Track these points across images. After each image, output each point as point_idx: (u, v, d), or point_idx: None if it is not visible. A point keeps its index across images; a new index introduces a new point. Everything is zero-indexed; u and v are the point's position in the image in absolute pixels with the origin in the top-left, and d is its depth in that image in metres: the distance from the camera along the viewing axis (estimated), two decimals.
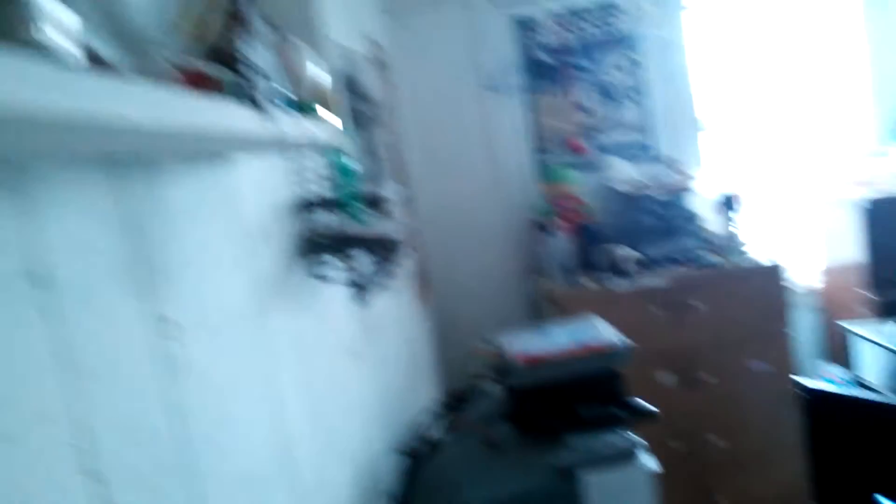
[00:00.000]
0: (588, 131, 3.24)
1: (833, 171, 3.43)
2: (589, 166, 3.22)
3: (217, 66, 0.92)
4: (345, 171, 1.18)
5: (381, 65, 2.74)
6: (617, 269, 2.81)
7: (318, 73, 1.13)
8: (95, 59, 0.64)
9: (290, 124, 0.87)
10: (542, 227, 2.96)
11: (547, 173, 3.08)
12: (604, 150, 3.24)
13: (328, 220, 1.41)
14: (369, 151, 2.20)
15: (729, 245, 2.96)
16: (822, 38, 3.56)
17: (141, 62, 0.82)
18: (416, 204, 3.06)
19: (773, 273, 2.86)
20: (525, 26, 3.18)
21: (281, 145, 0.86)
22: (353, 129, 2.02)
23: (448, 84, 3.19)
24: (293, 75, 1.08)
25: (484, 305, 3.27)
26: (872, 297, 3.09)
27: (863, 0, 3.47)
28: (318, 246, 1.42)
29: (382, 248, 1.43)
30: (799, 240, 3.58)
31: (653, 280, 2.80)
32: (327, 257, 1.41)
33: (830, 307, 3.48)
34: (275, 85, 0.79)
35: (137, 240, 0.72)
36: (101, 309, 0.64)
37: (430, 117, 3.20)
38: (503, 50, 3.19)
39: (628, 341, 1.77)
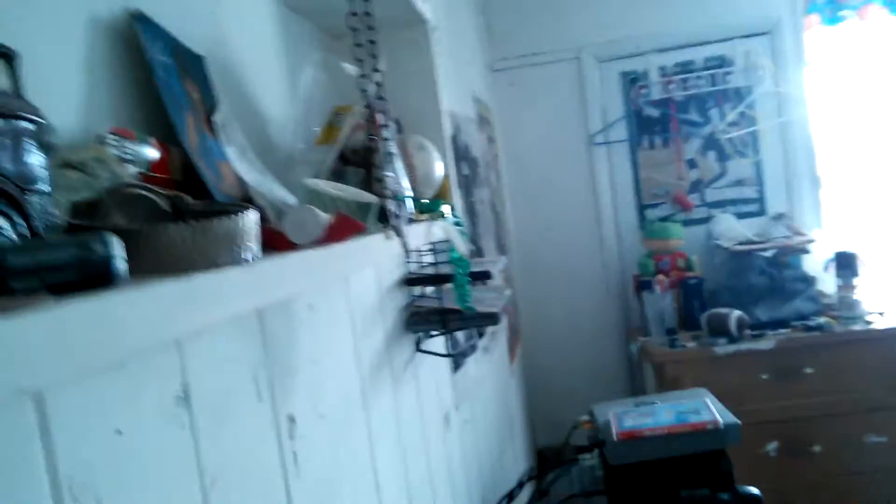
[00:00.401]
0: (696, 186, 3.18)
1: None
2: (696, 222, 3.15)
3: (353, 171, 0.99)
4: (455, 255, 1.23)
5: (484, 122, 2.80)
6: (722, 331, 2.72)
7: (435, 165, 1.19)
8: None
9: (416, 233, 0.93)
10: (644, 284, 2.91)
11: (651, 228, 3.03)
12: (712, 205, 3.17)
13: (434, 294, 1.45)
14: (471, 212, 2.25)
15: (846, 308, 2.81)
16: None
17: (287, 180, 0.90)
18: (512, 259, 3.09)
19: (893, 340, 2.69)
20: (632, 80, 3.17)
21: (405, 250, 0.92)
22: (460, 197, 2.07)
23: (552, 137, 3.22)
24: (413, 171, 1.14)
25: (580, 362, 3.25)
26: None
27: None
28: (422, 320, 1.47)
29: (484, 322, 1.47)
30: None
31: (761, 343, 2.70)
32: (431, 330, 1.45)
33: None
34: (402, 194, 0.84)
35: (272, 346, 0.78)
36: (237, 415, 0.70)
37: (532, 170, 3.23)
38: (610, 104, 3.19)
39: (736, 420, 1.71)
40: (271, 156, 0.99)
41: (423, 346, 1.56)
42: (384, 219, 0.75)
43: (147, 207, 0.49)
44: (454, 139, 2.15)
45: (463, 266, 1.21)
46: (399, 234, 0.77)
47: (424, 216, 1.17)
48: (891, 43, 3.30)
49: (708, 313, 2.78)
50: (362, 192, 0.83)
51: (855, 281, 2.83)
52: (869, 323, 2.75)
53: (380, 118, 0.93)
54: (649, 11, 3.11)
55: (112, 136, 0.62)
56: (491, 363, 2.30)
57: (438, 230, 1.09)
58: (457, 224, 1.28)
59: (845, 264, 2.86)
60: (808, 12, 3.24)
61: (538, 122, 3.22)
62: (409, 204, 1.04)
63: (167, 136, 0.72)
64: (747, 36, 3.08)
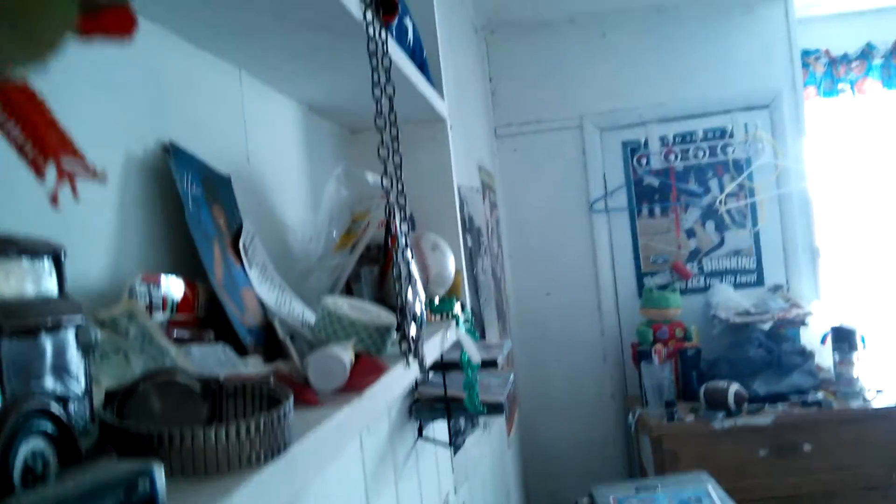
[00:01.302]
0: (694, 255, 3.20)
1: None
2: (694, 291, 3.16)
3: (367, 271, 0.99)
4: (465, 358, 1.22)
5: (488, 189, 2.82)
6: (719, 404, 2.71)
7: (448, 263, 1.19)
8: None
9: (432, 347, 0.92)
10: (642, 354, 2.91)
11: (650, 297, 3.04)
12: (710, 275, 3.19)
13: (441, 384, 1.44)
14: (473, 285, 2.25)
15: (844, 384, 2.81)
16: None
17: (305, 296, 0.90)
18: (510, 324, 3.08)
19: (892, 418, 2.69)
20: (633, 149, 3.21)
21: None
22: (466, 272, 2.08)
23: (554, 203, 3.24)
24: (426, 271, 1.15)
25: (577, 430, 3.22)
26: None
27: None
28: (426, 407, 1.46)
29: (489, 412, 1.46)
30: None
31: (758, 418, 2.68)
32: (435, 418, 1.45)
33: None
34: (420, 314, 0.84)
35: None
36: None
37: (534, 235, 3.25)
38: (611, 171, 3.23)
39: None
40: (292, 264, 0.99)
41: (426, 433, 1.55)
42: (401, 337, 0.75)
43: (179, 391, 0.49)
44: (460, 211, 2.16)
45: (473, 368, 1.21)
46: (418, 358, 0.77)
47: (437, 317, 1.17)
48: (887, 115, 3.37)
49: (706, 386, 2.77)
50: (380, 312, 0.83)
51: (853, 356, 2.83)
52: (868, 400, 2.74)
53: (398, 225, 0.93)
54: (651, 82, 3.17)
55: (141, 284, 0.62)
56: (490, 439, 2.27)
57: (452, 336, 1.09)
58: (468, 321, 1.27)
59: (843, 339, 2.86)
60: (806, 85, 3.31)
61: (540, 188, 3.25)
62: (425, 316, 1.04)
63: (194, 270, 0.72)
64: (747, 109, 3.14)
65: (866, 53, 3.32)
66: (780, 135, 3.13)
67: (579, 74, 3.21)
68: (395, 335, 0.78)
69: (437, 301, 1.20)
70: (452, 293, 1.27)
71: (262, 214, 0.95)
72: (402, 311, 0.78)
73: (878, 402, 2.72)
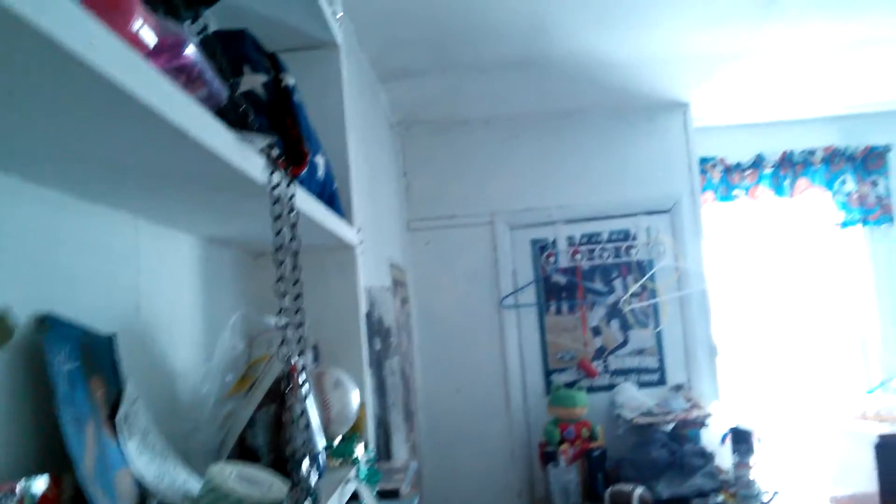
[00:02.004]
0: (600, 353, 3.25)
1: (844, 405, 3.40)
2: (600, 389, 3.20)
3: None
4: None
5: (399, 285, 2.79)
6: None
7: (352, 399, 1.14)
8: None
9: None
10: (549, 456, 2.89)
11: (557, 395, 3.05)
12: (615, 373, 3.24)
13: None
14: (380, 389, 2.19)
15: (742, 486, 2.86)
16: (831, 273, 3.67)
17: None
18: (418, 421, 3.02)
19: None
20: (542, 247, 3.28)
21: None
22: (371, 375, 2.02)
23: (465, 298, 3.25)
24: (327, 410, 1.09)
25: None
26: None
27: (868, 236, 3.61)
28: None
29: None
30: (812, 475, 3.49)
31: None
32: None
33: None
34: (315, 488, 0.78)
35: None
36: None
37: (444, 329, 3.23)
38: (520, 268, 3.27)
39: None
40: (182, 417, 0.92)
41: None
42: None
43: None
44: (368, 315, 2.12)
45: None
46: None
47: (337, 462, 1.11)
48: (777, 220, 3.59)
49: (611, 490, 2.77)
50: (273, 481, 0.77)
51: (751, 458, 2.90)
52: (766, 503, 2.81)
53: (298, 372, 0.88)
54: (560, 184, 3.27)
55: None
56: None
57: (351, 487, 1.03)
58: (369, 461, 1.21)
59: (741, 440, 2.94)
60: (704, 190, 3.50)
61: (452, 282, 3.25)
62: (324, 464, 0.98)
63: (64, 458, 0.65)
64: (649, 213, 3.27)
65: (757, 163, 3.56)
66: (680, 238, 3.27)
67: (492, 173, 3.28)
68: None
69: (337, 443, 1.14)
70: (355, 430, 1.21)
71: (151, 366, 0.87)
72: (296, 485, 0.71)
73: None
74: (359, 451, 1.16)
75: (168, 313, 0.94)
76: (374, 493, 1.29)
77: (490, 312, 3.24)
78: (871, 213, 3.55)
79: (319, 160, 1.11)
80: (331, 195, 1.22)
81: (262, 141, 0.70)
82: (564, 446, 2.94)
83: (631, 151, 3.30)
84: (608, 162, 3.29)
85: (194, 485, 0.79)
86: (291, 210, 0.79)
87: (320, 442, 1.00)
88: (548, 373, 3.24)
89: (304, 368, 0.88)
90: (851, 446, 3.20)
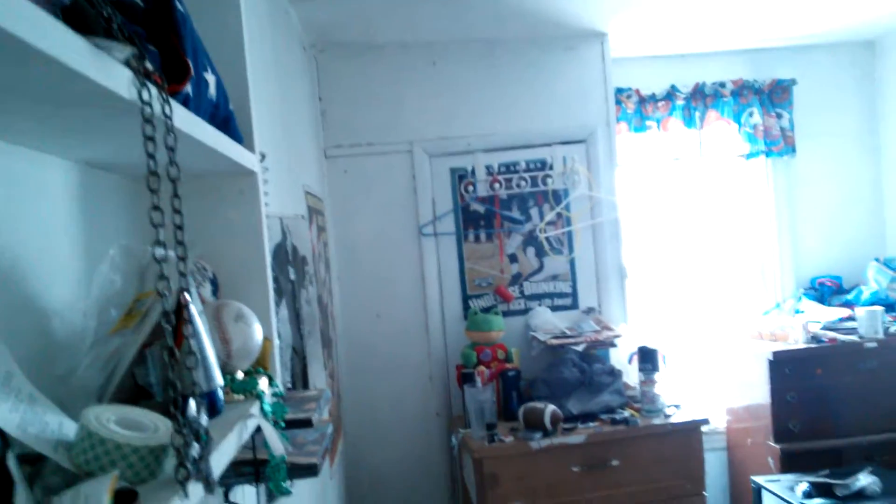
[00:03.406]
0: (516, 279, 3.33)
1: (744, 324, 3.61)
2: (515, 314, 3.29)
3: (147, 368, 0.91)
4: (270, 452, 1.17)
5: (315, 213, 2.76)
6: (537, 424, 2.84)
7: (254, 333, 1.13)
8: None
9: (226, 450, 0.86)
10: (466, 377, 2.98)
11: (474, 320, 3.13)
12: (530, 298, 3.33)
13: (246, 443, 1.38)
14: (296, 319, 2.19)
15: (647, 402, 3.04)
16: (738, 198, 3.83)
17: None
18: (338, 349, 3.04)
19: (690, 432, 2.94)
20: (461, 176, 3.29)
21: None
22: (279, 302, 2.01)
23: (384, 226, 3.25)
24: (227, 345, 1.08)
25: (404, 452, 3.25)
26: (776, 446, 3.23)
27: (770, 167, 3.77)
28: (232, 471, 1.39)
29: (301, 474, 1.41)
30: (712, 389, 3.73)
31: (572, 437, 2.84)
32: (242, 483, 1.38)
33: (739, 456, 3.61)
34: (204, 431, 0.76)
35: None
36: None
37: (363, 258, 3.23)
38: (439, 197, 3.28)
39: None
40: (56, 358, 0.87)
41: (233, 497, 1.47)
42: (179, 461, 0.68)
43: None
44: (282, 244, 2.10)
45: (274, 459, 1.16)
46: (202, 478, 0.71)
47: (239, 397, 1.10)
48: (686, 151, 3.70)
49: (524, 407, 2.89)
50: (158, 422, 0.76)
51: (656, 375, 3.07)
52: (668, 416, 2.99)
53: (186, 303, 0.87)
54: (478, 112, 3.27)
55: None
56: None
57: (253, 423, 1.03)
58: (276, 395, 1.22)
59: (647, 359, 3.09)
60: (618, 121, 3.56)
61: (370, 211, 3.24)
62: (223, 401, 0.98)
63: None
64: (566, 143, 3.32)
65: (670, 94, 3.63)
66: (595, 167, 3.33)
67: (410, 100, 3.23)
68: (173, 454, 0.70)
69: (239, 377, 1.13)
70: (260, 364, 1.22)
71: (18, 304, 0.82)
72: (182, 428, 0.70)
73: (675, 418, 2.96)
74: (263, 385, 1.16)
75: (38, 245, 0.88)
76: (282, 425, 1.30)
77: (409, 240, 3.26)
78: (775, 144, 3.70)
79: (210, 78, 1.07)
80: (226, 118, 1.18)
81: (125, 50, 0.66)
82: (480, 368, 3.04)
83: (549, 81, 3.31)
84: (527, 91, 3.30)
85: (71, 430, 0.74)
86: (169, 131, 0.76)
87: (218, 378, 0.99)
88: (466, 298, 3.31)
89: (188, 303, 0.86)
90: (748, 363, 3.43)
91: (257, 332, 1.14)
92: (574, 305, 3.36)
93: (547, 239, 3.33)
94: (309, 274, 2.49)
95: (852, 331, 3.35)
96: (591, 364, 3.12)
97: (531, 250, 3.33)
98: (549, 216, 3.31)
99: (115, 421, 0.73)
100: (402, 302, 3.27)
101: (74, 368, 0.84)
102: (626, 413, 2.96)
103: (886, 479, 2.95)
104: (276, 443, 1.07)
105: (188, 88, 0.91)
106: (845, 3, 3.13)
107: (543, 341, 3.12)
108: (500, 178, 3.29)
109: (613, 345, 3.20)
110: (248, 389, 1.07)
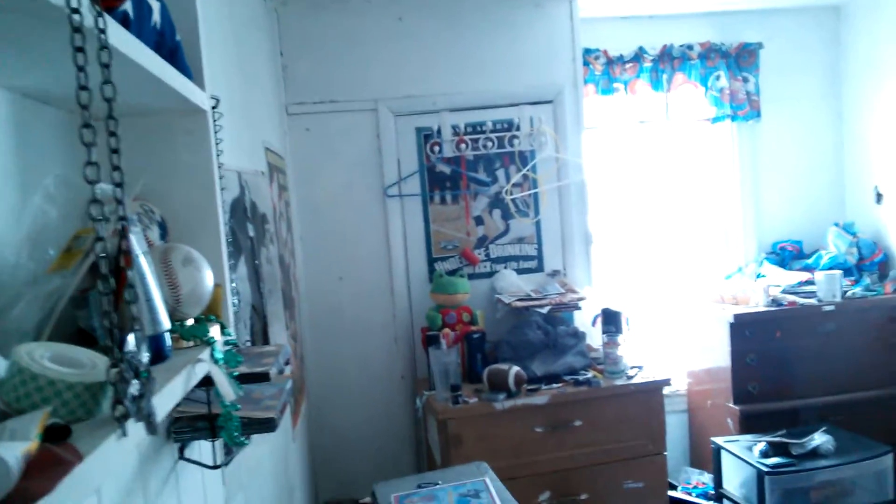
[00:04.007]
0: (482, 242, 3.30)
1: (707, 288, 3.64)
2: (481, 276, 3.27)
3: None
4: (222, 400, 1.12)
5: (276, 171, 2.69)
6: (501, 386, 2.83)
7: (205, 278, 1.08)
8: None
9: (172, 392, 0.82)
10: (431, 339, 2.95)
11: (439, 283, 3.10)
12: (496, 261, 3.31)
13: (200, 397, 1.33)
14: (255, 277, 2.14)
15: (610, 363, 3.05)
16: (703, 162, 3.84)
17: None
18: (301, 310, 2.99)
19: (652, 393, 2.96)
20: (427, 136, 3.23)
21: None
22: (237, 259, 1.96)
23: (348, 186, 3.18)
24: (176, 290, 1.03)
25: (368, 414, 3.23)
26: (735, 407, 3.28)
27: (736, 132, 3.78)
28: (187, 426, 1.34)
29: (258, 429, 1.38)
30: (674, 352, 3.77)
31: (535, 398, 2.84)
32: (197, 438, 1.33)
33: (700, 418, 3.66)
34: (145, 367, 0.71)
35: None
36: None
37: (327, 218, 3.17)
38: (404, 157, 3.22)
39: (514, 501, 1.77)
40: None
41: (190, 453, 1.43)
42: (116, 398, 0.63)
43: None
44: (240, 200, 2.03)
45: (227, 407, 1.11)
46: (144, 417, 0.66)
47: (189, 343, 1.05)
48: (653, 114, 3.68)
49: (488, 369, 2.88)
50: (96, 359, 0.71)
51: (619, 337, 3.08)
52: (630, 377, 3.00)
53: (126, 237, 0.81)
54: (445, 71, 3.20)
55: None
56: (269, 439, 2.18)
57: (203, 369, 0.98)
58: (229, 343, 1.17)
59: (610, 321, 3.10)
60: (586, 83, 3.52)
61: (334, 170, 3.17)
62: (169, 345, 0.93)
63: None
64: (533, 103, 3.27)
65: (638, 56, 3.60)
66: (562, 129, 3.30)
67: (375, 57, 3.15)
68: (111, 391, 0.65)
69: (189, 324, 1.08)
70: (211, 311, 1.16)
71: None
72: (119, 363, 0.65)
73: (637, 380, 2.98)
74: (215, 332, 1.12)
75: None
76: (234, 375, 1.26)
77: (374, 201, 3.21)
78: (741, 108, 3.70)
79: (154, 4, 1.00)
80: (173, 49, 1.11)
81: None
82: (446, 331, 3.01)
83: (517, 39, 3.25)
84: (494, 50, 3.23)
85: (2, 368, 0.70)
86: (104, 47, 0.70)
87: (165, 322, 0.94)
88: (431, 261, 3.28)
89: (129, 237, 0.80)
90: (710, 326, 3.47)
91: (208, 278, 1.09)
92: (539, 268, 3.35)
93: (513, 201, 3.30)
94: (269, 232, 2.43)
95: (811, 294, 3.40)
96: (555, 326, 3.11)
97: (497, 213, 3.30)
98: (516, 178, 3.28)
99: (49, 357, 0.69)
100: (367, 264, 3.22)
101: (7, 307, 0.79)
102: (589, 374, 2.97)
103: (840, 438, 3.03)
104: (227, 389, 1.03)
105: (127, 7, 0.85)
106: None
107: (508, 304, 3.11)
108: (467, 138, 3.24)
109: (578, 307, 3.20)
110: (198, 336, 1.02)
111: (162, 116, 1.17)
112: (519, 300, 3.12)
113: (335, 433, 3.20)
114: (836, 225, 3.68)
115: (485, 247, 3.30)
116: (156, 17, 1.01)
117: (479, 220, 3.29)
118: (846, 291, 3.42)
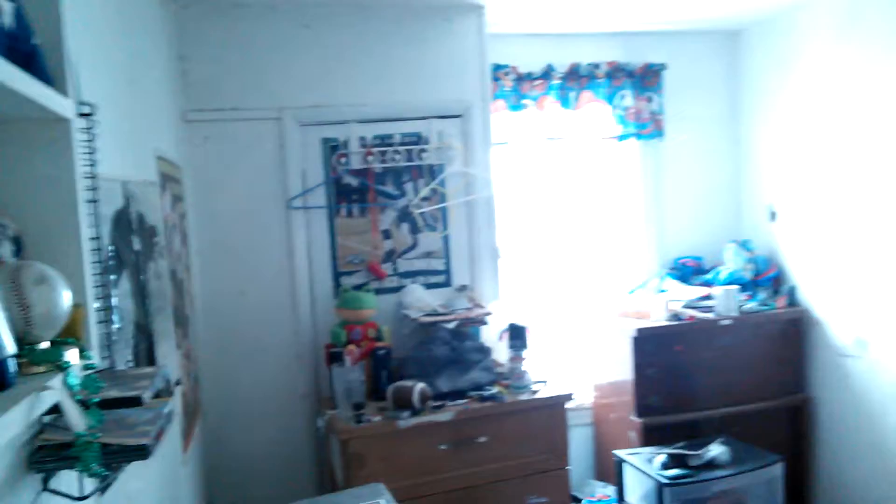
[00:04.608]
0: (389, 256, 3.25)
1: (611, 302, 3.71)
2: (388, 291, 3.22)
3: None
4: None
5: (170, 180, 2.56)
6: (406, 403, 2.78)
7: (61, 298, 0.99)
8: None
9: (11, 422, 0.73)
10: (335, 356, 2.88)
11: (344, 298, 3.03)
12: (404, 275, 3.27)
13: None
14: (141, 293, 2.01)
15: (515, 378, 3.05)
16: (609, 180, 3.92)
17: None
18: (196, 327, 2.86)
19: (555, 408, 2.98)
20: (333, 147, 3.16)
21: None
22: (120, 274, 1.84)
23: (250, 197, 3.07)
24: (26, 311, 0.94)
25: (269, 436, 3.12)
26: (638, 420, 3.35)
27: (640, 150, 3.88)
28: (51, 456, 1.23)
29: (129, 457, 1.28)
30: (578, 365, 3.82)
31: (440, 415, 2.80)
32: (62, 469, 1.22)
33: (604, 431, 3.72)
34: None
35: None
36: None
37: (227, 231, 3.05)
38: (310, 168, 3.14)
39: None
40: None
41: (56, 484, 1.31)
42: None
43: None
44: (124, 211, 1.91)
45: (80, 436, 1.01)
46: None
47: (40, 369, 0.96)
48: (562, 131, 3.73)
49: (393, 386, 2.83)
50: None
51: (524, 352, 3.09)
52: (535, 392, 3.01)
53: None
54: (353, 81, 3.14)
55: None
56: (155, 464, 2.05)
57: (51, 399, 0.89)
58: (90, 367, 1.08)
59: (516, 336, 3.11)
60: (496, 98, 3.54)
61: (235, 180, 3.05)
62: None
63: None
64: (442, 117, 3.25)
65: (547, 73, 3.64)
66: (471, 144, 3.30)
67: (280, 65, 3.06)
68: None
69: (42, 347, 0.99)
70: (71, 334, 1.07)
71: None
72: None
73: (541, 394, 2.99)
74: (72, 356, 1.02)
75: None
76: (94, 401, 1.16)
77: (277, 213, 3.11)
78: (645, 127, 3.81)
79: (4, 4, 0.91)
80: (29, 53, 1.02)
81: None
82: (350, 347, 2.95)
83: (426, 53, 3.23)
84: (403, 62, 3.20)
85: None
86: None
87: (7, 345, 0.86)
88: (337, 275, 3.20)
89: None
90: (614, 341, 3.53)
91: (65, 298, 1.00)
92: (447, 283, 3.33)
93: (421, 215, 3.27)
94: (159, 245, 2.30)
95: (710, 309, 3.51)
96: (462, 341, 3.10)
97: (405, 226, 3.26)
98: (424, 192, 3.25)
99: None
100: (269, 279, 3.11)
101: None
102: (495, 390, 2.96)
103: (735, 448, 3.13)
104: (76, 419, 0.94)
105: None
106: None
107: (415, 319, 3.07)
108: (375, 150, 3.18)
109: (485, 322, 3.19)
110: (50, 360, 0.93)
111: (16, 125, 1.07)
112: (426, 315, 3.09)
113: (234, 455, 3.06)
114: (734, 242, 3.82)
115: (392, 261, 3.26)
116: (7, 19, 0.92)
117: (386, 234, 3.24)
118: (742, 306, 3.56)
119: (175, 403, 2.32)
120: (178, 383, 2.41)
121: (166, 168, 2.50)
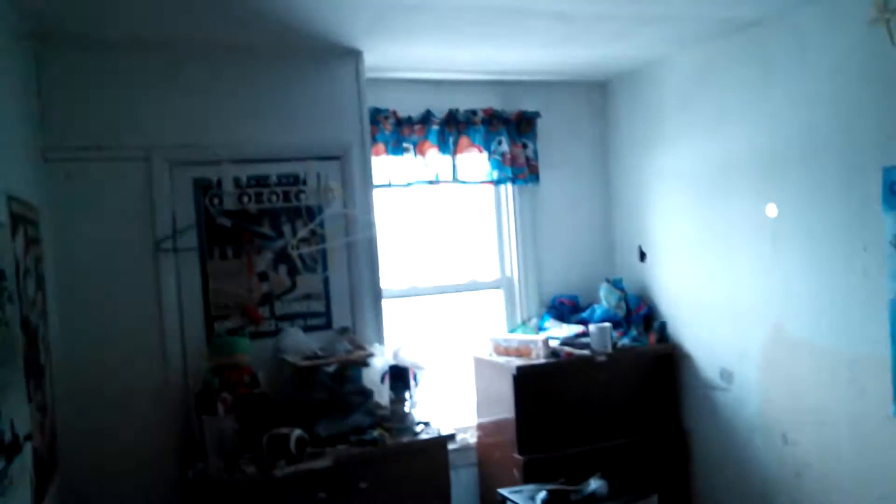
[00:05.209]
0: (267, 298, 3.17)
1: (492, 341, 3.75)
2: (265, 335, 3.13)
3: None
4: None
5: (23, 221, 2.40)
6: (282, 451, 2.69)
7: None
8: None
9: None
10: (205, 406, 2.75)
11: (217, 344, 2.91)
12: (282, 318, 3.19)
13: None
14: None
15: (397, 420, 3.02)
16: (488, 222, 4.02)
17: None
18: (54, 380, 2.67)
19: (437, 449, 2.95)
20: (206, 188, 3.07)
21: None
22: None
23: (115, 240, 2.93)
24: None
25: (134, 493, 2.91)
26: (520, 457, 3.38)
27: (516, 194, 4.01)
28: None
29: None
30: (464, 405, 3.83)
31: (318, 462, 2.72)
32: None
33: (489, 470, 3.73)
34: None
35: None
36: None
37: (89, 275, 2.88)
38: (181, 210, 3.04)
39: None
40: None
41: None
42: None
43: None
44: None
45: None
46: None
47: None
48: (441, 174, 3.80)
49: (268, 434, 2.72)
50: None
51: (407, 394, 3.07)
52: (417, 434, 2.98)
53: None
54: (226, 121, 3.09)
55: None
56: None
57: None
58: None
59: (398, 377, 3.09)
60: (377, 141, 3.57)
61: (100, 222, 2.90)
62: None
63: None
64: (321, 158, 3.24)
65: (427, 118, 3.72)
66: (350, 185, 3.30)
67: (148, 103, 2.97)
68: None
69: None
70: None
71: None
72: None
73: (423, 436, 2.97)
74: None
75: None
76: None
77: (145, 257, 2.97)
78: (521, 172, 3.94)
79: None
80: None
81: None
82: (224, 395, 2.82)
83: (302, 95, 3.23)
84: (278, 103, 3.18)
85: None
86: None
87: None
88: (210, 320, 3.08)
89: None
90: (495, 379, 3.57)
91: None
92: (328, 325, 3.28)
93: (300, 256, 3.21)
94: (8, 291, 2.14)
95: (586, 345, 3.62)
96: (342, 385, 3.04)
97: (283, 268, 3.20)
98: (302, 233, 3.21)
99: None
100: (137, 325, 2.95)
101: None
102: (376, 433, 2.91)
103: (614, 481, 3.20)
104: None
105: None
106: (582, 48, 3.42)
107: (293, 363, 2.99)
108: (250, 191, 3.12)
109: (367, 364, 3.15)
110: None
111: None
112: (305, 359, 3.01)
113: None
114: (607, 280, 3.98)
115: (269, 304, 3.17)
116: None
117: (263, 276, 3.17)
118: (616, 342, 3.69)
119: (25, 459, 2.14)
120: (27, 438, 2.23)
121: (19, 209, 2.35)
